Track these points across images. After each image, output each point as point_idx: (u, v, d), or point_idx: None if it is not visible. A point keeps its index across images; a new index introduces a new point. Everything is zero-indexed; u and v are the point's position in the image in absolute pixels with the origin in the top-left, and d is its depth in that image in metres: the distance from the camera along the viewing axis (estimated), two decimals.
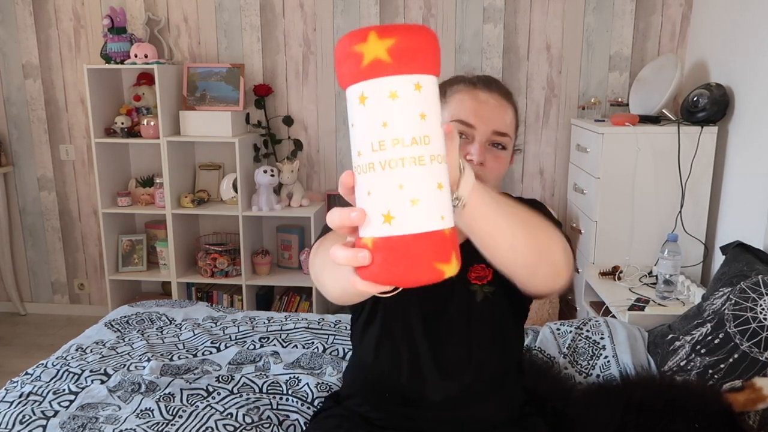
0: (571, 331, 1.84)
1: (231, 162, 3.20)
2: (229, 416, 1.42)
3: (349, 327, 1.94)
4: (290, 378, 1.62)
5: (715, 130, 2.42)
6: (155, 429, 1.37)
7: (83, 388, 1.55)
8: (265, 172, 2.96)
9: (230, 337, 1.88)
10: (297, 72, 3.13)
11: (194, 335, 1.89)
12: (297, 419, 1.46)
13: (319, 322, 1.98)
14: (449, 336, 1.12)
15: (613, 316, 2.19)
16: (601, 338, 1.80)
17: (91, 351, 1.78)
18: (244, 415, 1.43)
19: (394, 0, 2.99)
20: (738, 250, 1.86)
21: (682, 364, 1.60)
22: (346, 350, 1.81)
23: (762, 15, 2.18)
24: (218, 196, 3.20)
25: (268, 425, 1.41)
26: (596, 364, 1.72)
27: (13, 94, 3.28)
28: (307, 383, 1.58)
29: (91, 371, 1.63)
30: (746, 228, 2.24)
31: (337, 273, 0.73)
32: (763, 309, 1.50)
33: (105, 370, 1.64)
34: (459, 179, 0.60)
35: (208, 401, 1.49)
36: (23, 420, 1.40)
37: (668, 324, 1.86)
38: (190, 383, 1.58)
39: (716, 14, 2.58)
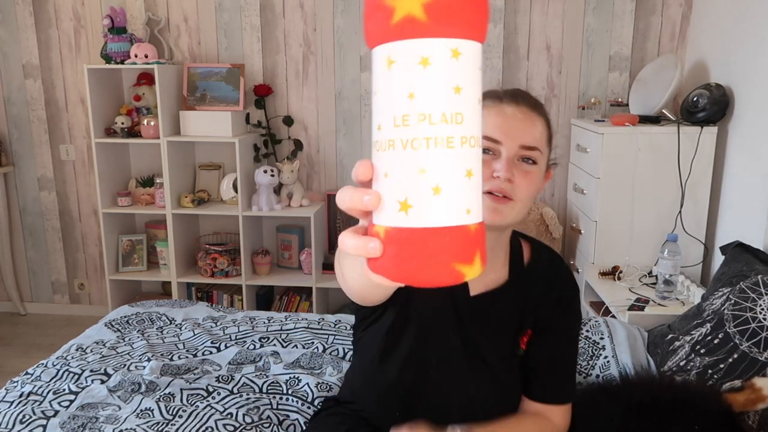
0: None
1: (231, 162, 3.20)
2: (229, 416, 1.42)
3: (349, 327, 1.94)
4: (290, 378, 1.62)
5: (715, 131, 2.42)
6: (155, 429, 1.38)
7: (83, 388, 1.55)
8: (265, 172, 2.96)
9: (230, 337, 1.88)
10: (297, 72, 3.13)
11: (194, 335, 1.90)
12: (297, 419, 1.46)
13: (319, 322, 1.98)
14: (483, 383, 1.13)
15: (613, 316, 2.19)
16: (601, 338, 1.80)
17: (91, 351, 1.78)
18: (244, 415, 1.43)
19: None
20: (738, 250, 1.87)
21: (681, 364, 1.60)
22: (346, 350, 1.81)
23: (762, 15, 2.18)
24: (218, 196, 3.20)
25: (268, 425, 1.41)
26: (596, 364, 1.72)
27: (13, 94, 3.28)
28: (307, 383, 1.58)
29: (91, 371, 1.63)
30: (746, 228, 2.24)
31: (354, 258, 0.65)
32: (762, 309, 1.50)
33: (105, 370, 1.64)
34: None
35: (208, 401, 1.49)
36: (23, 420, 1.41)
37: (668, 324, 1.86)
38: (190, 383, 1.58)
39: (716, 14, 2.58)
